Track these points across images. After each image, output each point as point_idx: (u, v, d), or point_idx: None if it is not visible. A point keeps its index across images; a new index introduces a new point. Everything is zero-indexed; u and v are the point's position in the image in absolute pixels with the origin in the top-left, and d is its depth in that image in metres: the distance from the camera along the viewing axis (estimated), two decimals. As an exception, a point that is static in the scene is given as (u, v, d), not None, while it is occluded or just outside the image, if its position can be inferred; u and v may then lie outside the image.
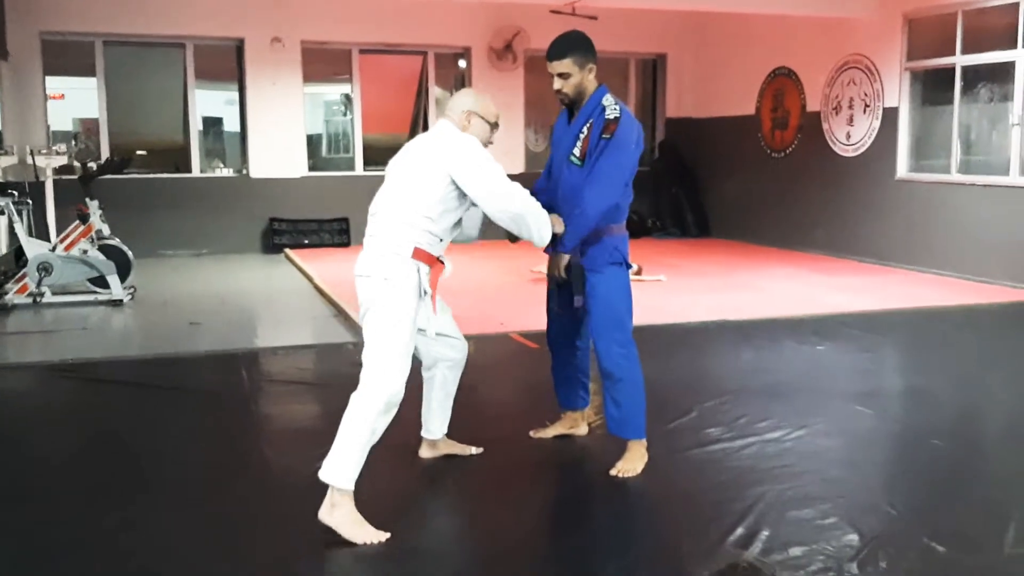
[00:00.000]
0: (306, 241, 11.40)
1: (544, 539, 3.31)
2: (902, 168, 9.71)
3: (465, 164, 3.36)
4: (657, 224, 12.96)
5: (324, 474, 3.18)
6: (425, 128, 12.31)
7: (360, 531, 3.14)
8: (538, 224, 3.49)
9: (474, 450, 4.01)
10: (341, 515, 3.15)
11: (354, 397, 3.25)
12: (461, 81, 12.40)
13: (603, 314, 3.72)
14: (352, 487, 3.18)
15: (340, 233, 11.61)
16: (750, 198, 11.98)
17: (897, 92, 9.66)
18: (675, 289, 8.43)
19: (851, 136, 10.31)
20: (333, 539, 3.12)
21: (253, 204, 11.34)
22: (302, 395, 5.09)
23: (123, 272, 7.87)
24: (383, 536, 3.14)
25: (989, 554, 3.03)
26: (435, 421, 3.91)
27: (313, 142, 12.23)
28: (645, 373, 3.82)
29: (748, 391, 4.96)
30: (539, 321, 6.51)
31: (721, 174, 12.55)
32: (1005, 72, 8.53)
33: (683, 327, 6.73)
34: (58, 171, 9.50)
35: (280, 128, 11.43)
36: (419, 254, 3.35)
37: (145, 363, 5.74)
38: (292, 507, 3.42)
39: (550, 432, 4.21)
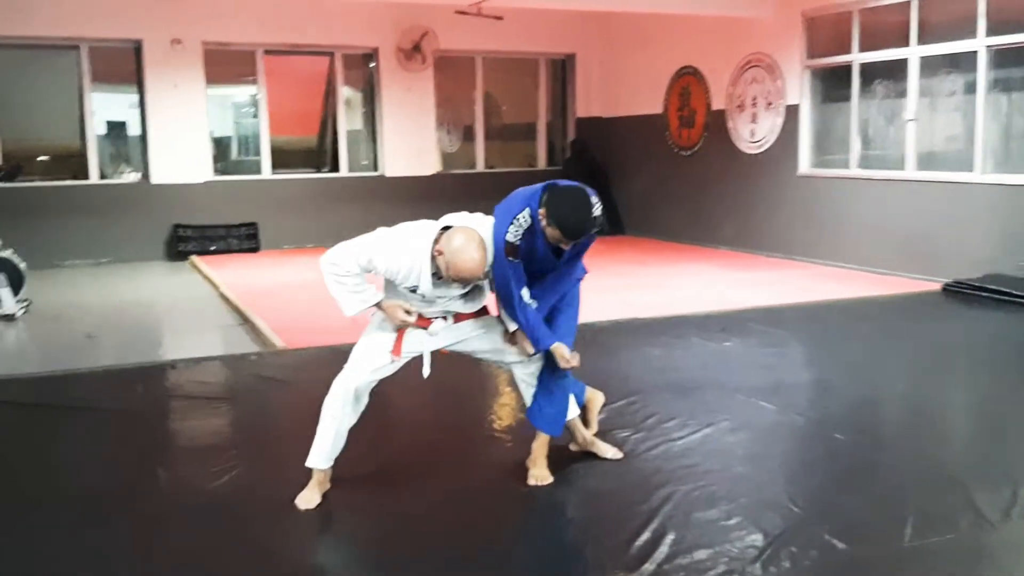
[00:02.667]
0: (213, 247, 11.11)
1: (446, 544, 3.25)
2: (804, 164, 9.93)
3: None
4: (570, 223, 12.99)
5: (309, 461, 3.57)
6: (335, 131, 12.12)
7: (305, 494, 3.51)
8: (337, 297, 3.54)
9: (611, 453, 3.95)
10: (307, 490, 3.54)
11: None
12: (370, 82, 12.25)
13: None
14: (317, 466, 3.55)
15: (248, 238, 11.35)
16: (660, 196, 12.12)
17: (799, 90, 9.87)
18: (585, 288, 8.41)
19: (755, 133, 10.50)
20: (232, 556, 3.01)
21: (156, 210, 11.00)
22: (202, 410, 4.90)
23: (15, 285, 7.54)
24: (311, 504, 3.48)
25: (888, 547, 3.08)
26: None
27: (220, 146, 11.93)
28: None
29: (656, 390, 4.98)
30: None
31: (631, 172, 12.66)
32: (900, 69, 8.78)
33: (592, 327, 6.72)
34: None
35: (183, 132, 11.12)
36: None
37: (37, 381, 5.48)
38: (188, 527, 3.30)
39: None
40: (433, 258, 3.32)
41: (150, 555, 3.13)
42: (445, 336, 3.62)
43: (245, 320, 7.14)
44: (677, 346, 6.11)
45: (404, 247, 3.36)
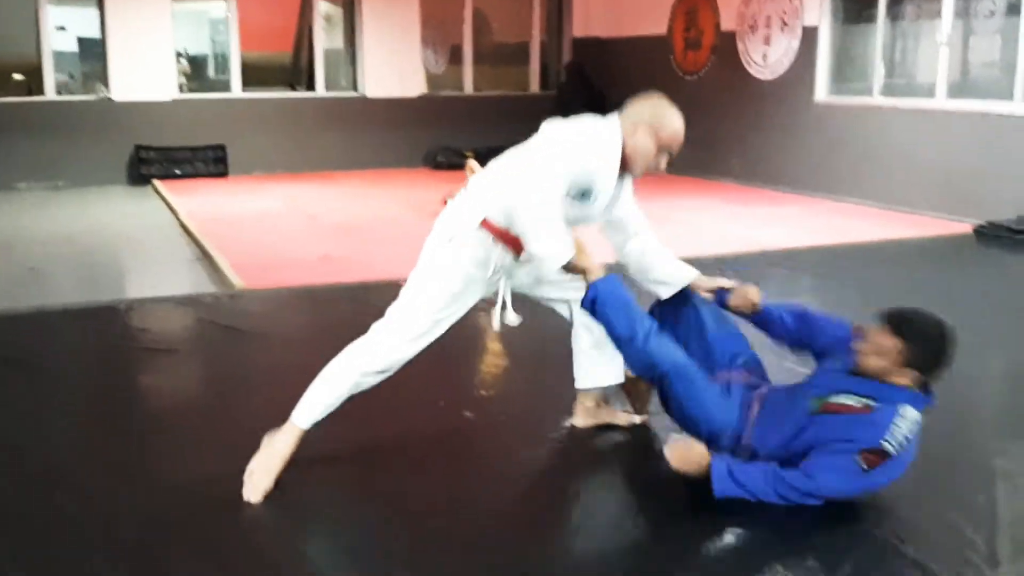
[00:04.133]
0: (178, 171, 10.28)
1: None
2: (821, 91, 9.14)
3: (543, 135, 2.80)
4: (563, 152, 12.19)
5: (295, 417, 2.83)
6: (311, 48, 11.23)
7: (258, 478, 2.75)
8: (544, 236, 2.70)
9: (637, 419, 3.30)
10: (267, 453, 2.79)
11: (352, 346, 2.86)
12: (349, -4, 11.31)
13: None
14: (303, 426, 2.81)
15: (216, 162, 10.51)
16: (661, 124, 11.29)
17: (818, 9, 9.03)
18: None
19: (768, 57, 9.68)
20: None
21: (117, 130, 10.15)
22: (136, 365, 4.17)
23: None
24: (257, 495, 2.72)
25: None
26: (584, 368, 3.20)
27: (186, 61, 11.04)
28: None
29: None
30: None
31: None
32: (932, -14, 7.98)
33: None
34: None
35: (146, 46, 10.22)
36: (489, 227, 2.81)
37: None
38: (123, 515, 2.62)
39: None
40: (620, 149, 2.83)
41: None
42: (528, 271, 2.97)
43: (204, 254, 6.41)
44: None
45: (597, 146, 2.81)
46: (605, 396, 3.31)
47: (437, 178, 10.34)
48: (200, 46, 11.60)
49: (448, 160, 11.31)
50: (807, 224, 7.75)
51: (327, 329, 4.72)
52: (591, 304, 2.83)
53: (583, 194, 2.81)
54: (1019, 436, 3.28)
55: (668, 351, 2.81)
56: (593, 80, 12.21)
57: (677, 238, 6.90)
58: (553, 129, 2.80)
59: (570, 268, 2.76)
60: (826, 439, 2.62)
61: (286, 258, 6.29)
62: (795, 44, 9.29)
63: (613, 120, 2.88)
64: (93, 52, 10.47)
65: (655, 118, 2.87)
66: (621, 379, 3.22)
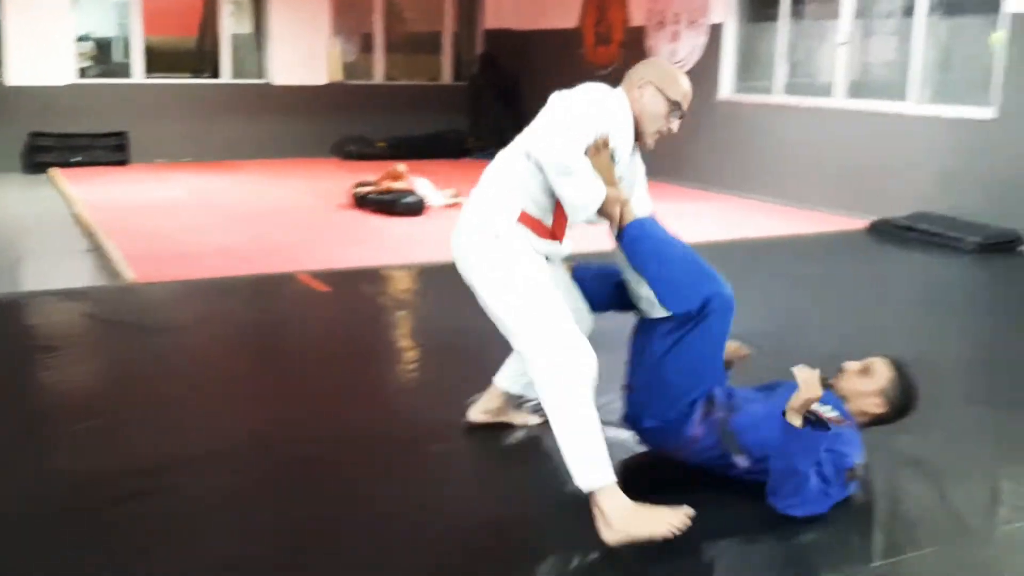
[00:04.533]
0: (75, 159, 9.93)
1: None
2: (726, 88, 9.30)
3: (552, 100, 2.70)
4: (477, 143, 12.16)
5: (581, 482, 2.51)
6: (216, 32, 10.96)
7: (656, 522, 2.41)
8: (576, 179, 2.61)
9: (532, 420, 3.21)
10: (620, 518, 2.43)
11: (545, 389, 2.57)
12: (257, -21, 11.06)
13: None
14: (611, 480, 2.48)
15: (116, 150, 10.19)
16: (572, 117, 11.35)
17: (723, 7, 9.17)
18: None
19: (676, 53, 9.79)
20: None
21: (11, 116, 9.74)
22: (13, 361, 4.01)
23: None
24: (684, 517, 2.41)
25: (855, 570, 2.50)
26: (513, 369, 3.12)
27: (86, 45, 10.64)
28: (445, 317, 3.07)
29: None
30: (336, 259, 5.70)
31: (543, 91, 11.65)
32: (833, -12, 8.17)
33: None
34: None
35: (44, 29, 9.83)
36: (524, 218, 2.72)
37: None
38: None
39: None
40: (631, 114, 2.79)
41: None
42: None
43: (95, 246, 6.19)
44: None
45: (611, 106, 2.75)
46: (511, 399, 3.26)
47: (346, 168, 10.22)
48: (107, 30, 11.20)
49: (358, 150, 11.18)
50: (707, 220, 7.87)
51: (221, 323, 4.63)
52: (630, 243, 2.76)
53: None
54: (927, 419, 3.36)
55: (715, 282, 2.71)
56: (505, 71, 12.22)
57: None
58: (563, 94, 2.72)
59: (603, 213, 2.69)
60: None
61: (185, 250, 6.12)
62: (701, 41, 9.43)
63: (617, 89, 2.84)
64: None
65: (660, 77, 2.81)
66: None
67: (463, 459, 3.12)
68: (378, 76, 12.02)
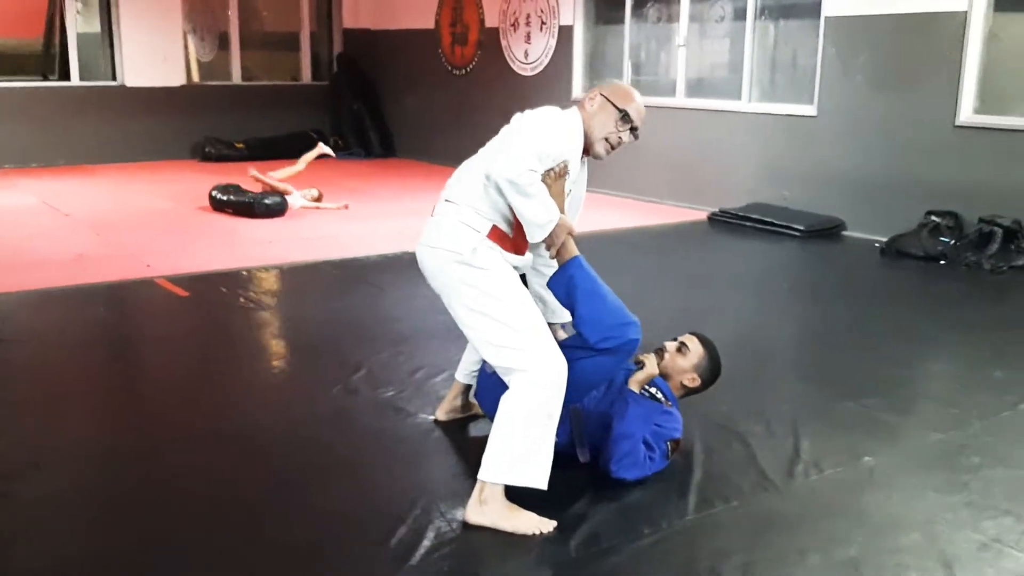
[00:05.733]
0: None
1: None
2: (577, 88, 9.70)
3: (514, 121, 2.90)
4: (339, 143, 12.23)
5: (503, 476, 2.68)
6: (63, 32, 10.67)
7: (524, 522, 2.66)
8: (533, 200, 2.72)
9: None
10: (496, 508, 2.67)
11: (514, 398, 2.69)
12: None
13: None
14: (540, 485, 2.69)
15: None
16: (433, 117, 11.58)
17: (572, 9, 9.57)
18: (355, 216, 7.89)
19: (529, 54, 10.14)
20: None
21: None
22: None
23: None
24: (549, 526, 2.66)
25: (671, 524, 2.83)
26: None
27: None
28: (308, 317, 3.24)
29: (425, 335, 4.55)
30: (195, 262, 5.74)
31: (403, 91, 12.03)
32: (671, -7, 8.66)
33: (360, 262, 6.22)
34: None
35: None
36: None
37: None
38: None
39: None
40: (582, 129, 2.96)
41: None
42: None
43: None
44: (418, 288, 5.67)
45: (566, 127, 2.93)
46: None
47: (206, 170, 10.14)
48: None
49: (217, 152, 11.11)
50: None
51: (73, 332, 4.65)
52: (569, 278, 2.87)
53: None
54: (743, 390, 3.75)
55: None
56: (364, 71, 12.33)
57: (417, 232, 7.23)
58: (524, 116, 2.90)
59: (550, 242, 2.82)
60: (639, 416, 2.92)
61: (36, 258, 6.05)
62: (552, 43, 9.80)
63: (572, 108, 3.04)
64: None
65: (611, 91, 3.00)
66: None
67: (320, 451, 3.31)
68: (236, 76, 11.94)
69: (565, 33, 9.66)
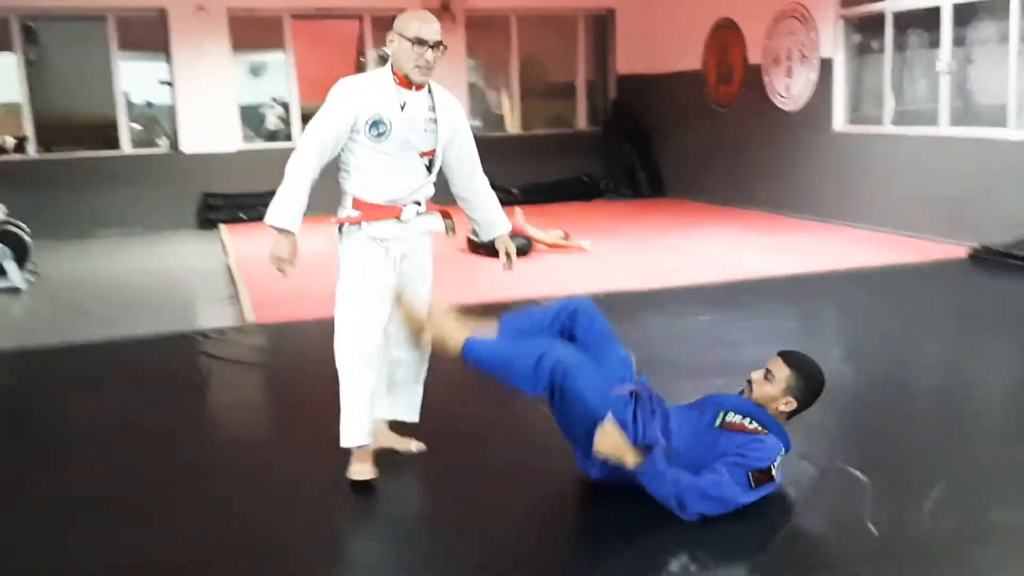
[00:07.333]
0: (243, 216, 11.12)
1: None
2: (839, 121, 9.37)
3: None
4: (609, 185, 12.64)
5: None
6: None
7: (356, 467, 3.35)
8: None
9: (415, 446, 3.64)
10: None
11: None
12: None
13: None
14: (353, 444, 3.33)
15: (277, 207, 11.32)
16: (699, 155, 11.65)
17: (832, 41, 9.28)
18: (595, 256, 8.19)
19: (790, 88, 9.95)
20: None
21: (186, 180, 11.08)
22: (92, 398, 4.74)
23: (20, 256, 7.65)
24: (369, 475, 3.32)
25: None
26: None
27: (248, 114, 11.88)
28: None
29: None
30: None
31: (672, 131, 12.21)
32: (932, 17, 8.16)
33: (605, 298, 6.47)
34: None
35: (211, 100, 11.14)
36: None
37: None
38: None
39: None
40: (392, 68, 3.29)
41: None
42: (407, 239, 3.39)
43: (235, 294, 7.09)
44: (648, 320, 5.78)
45: (358, 77, 3.37)
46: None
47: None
48: (258, 96, 12.37)
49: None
50: (812, 250, 8.01)
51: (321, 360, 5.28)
52: (473, 365, 3.18)
53: (375, 129, 3.23)
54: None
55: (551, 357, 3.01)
56: (637, 115, 12.64)
57: (684, 267, 7.35)
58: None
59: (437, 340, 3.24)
60: (724, 452, 3.01)
61: (313, 294, 6.87)
62: (813, 76, 9.55)
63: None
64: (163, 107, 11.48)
65: (399, 25, 3.27)
66: (415, 418, 3.64)
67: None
68: (514, 126, 12.73)
69: (826, 66, 9.38)
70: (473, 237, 8.53)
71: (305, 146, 3.27)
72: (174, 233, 10.79)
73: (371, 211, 3.30)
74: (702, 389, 4.24)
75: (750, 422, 3.03)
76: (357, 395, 3.31)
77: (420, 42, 3.22)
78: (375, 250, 3.30)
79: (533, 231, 8.57)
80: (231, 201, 11.19)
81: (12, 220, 7.96)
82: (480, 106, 13.10)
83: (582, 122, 13.16)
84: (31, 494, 3.48)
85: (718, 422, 3.09)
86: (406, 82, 3.28)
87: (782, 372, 3.12)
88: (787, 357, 3.16)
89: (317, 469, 3.57)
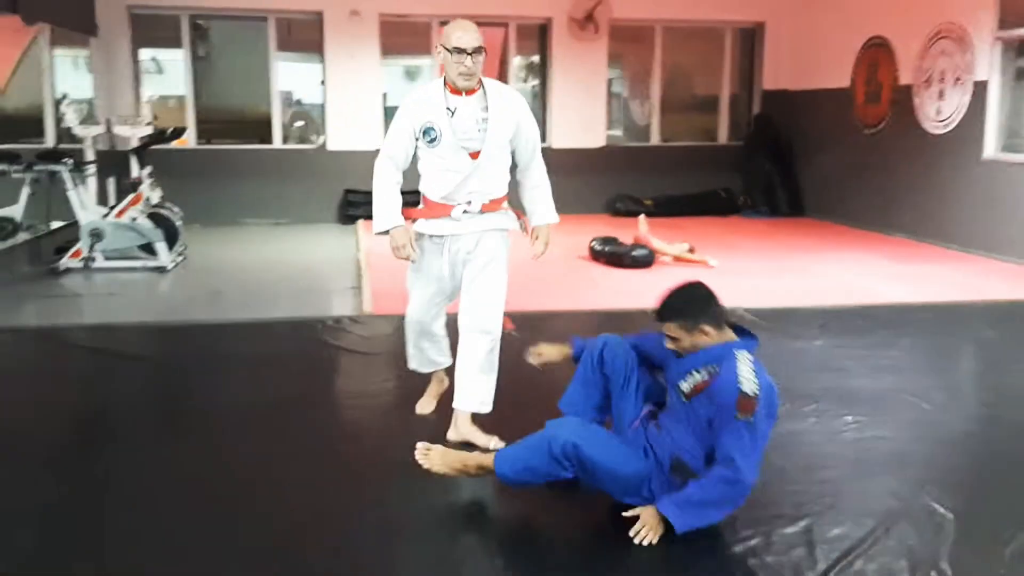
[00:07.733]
0: (380, 212, 11.49)
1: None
2: (990, 148, 8.90)
3: None
4: (748, 202, 12.41)
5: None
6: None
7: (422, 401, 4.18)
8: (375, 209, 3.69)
9: (493, 444, 3.68)
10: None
11: None
12: (542, 51, 12.20)
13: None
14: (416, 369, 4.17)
15: (413, 205, 11.63)
16: (841, 175, 11.29)
17: (988, 64, 8.83)
18: (720, 272, 8.07)
19: (941, 112, 9.52)
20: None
21: (330, 175, 11.55)
22: (222, 375, 5.05)
23: (171, 239, 8.18)
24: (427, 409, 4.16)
25: None
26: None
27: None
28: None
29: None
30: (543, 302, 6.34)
31: (814, 150, 11.88)
32: (1099, 41, 7.67)
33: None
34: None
35: (358, 101, 11.58)
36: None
37: (123, 330, 5.91)
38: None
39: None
40: (443, 82, 3.63)
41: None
42: (464, 236, 3.73)
43: (358, 285, 7.37)
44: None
45: (401, 111, 3.71)
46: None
47: (611, 223, 10.81)
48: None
49: (626, 207, 11.82)
50: (946, 280, 7.67)
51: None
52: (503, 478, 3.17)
53: (427, 136, 3.59)
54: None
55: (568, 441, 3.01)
56: (780, 131, 12.36)
57: (800, 289, 7.18)
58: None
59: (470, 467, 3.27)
60: (709, 416, 2.99)
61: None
62: (966, 99, 9.11)
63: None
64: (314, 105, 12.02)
65: (442, 38, 3.59)
66: (487, 408, 3.80)
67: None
68: (654, 137, 12.67)
69: (979, 89, 8.94)
70: (595, 245, 8.58)
71: (381, 157, 3.73)
72: (316, 226, 11.26)
73: (429, 208, 3.77)
74: (793, 416, 4.21)
75: (701, 374, 3.04)
76: (410, 344, 4.09)
77: (459, 51, 3.51)
78: (427, 245, 3.72)
79: (657, 243, 8.53)
80: (368, 198, 11.47)
81: (166, 204, 8.51)
82: (622, 115, 13.12)
83: (723, 136, 12.96)
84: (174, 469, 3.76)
85: (684, 397, 3.09)
86: (455, 89, 3.58)
87: (674, 330, 3.10)
88: (661, 316, 3.13)
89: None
